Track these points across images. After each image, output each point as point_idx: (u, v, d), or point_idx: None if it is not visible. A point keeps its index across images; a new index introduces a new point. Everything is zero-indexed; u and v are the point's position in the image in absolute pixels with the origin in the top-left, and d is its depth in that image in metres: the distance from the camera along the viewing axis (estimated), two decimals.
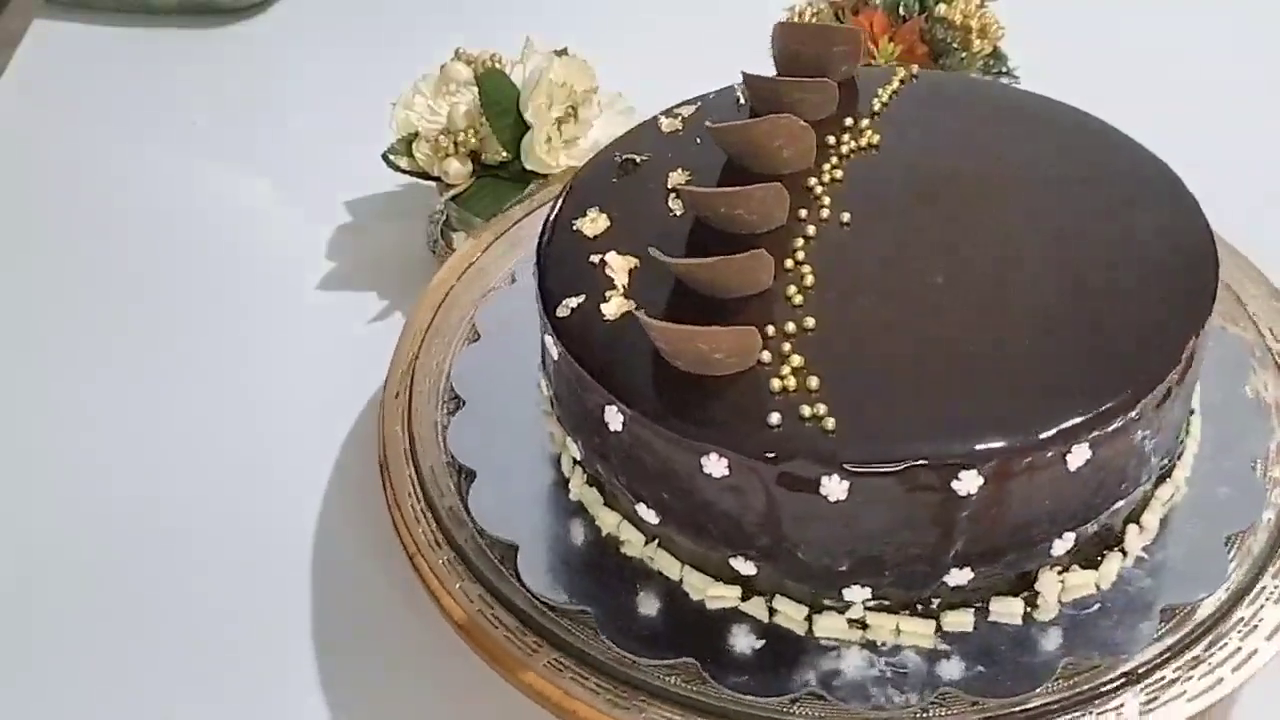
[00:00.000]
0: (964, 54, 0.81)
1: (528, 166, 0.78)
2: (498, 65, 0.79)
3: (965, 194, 0.62)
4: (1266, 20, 1.00)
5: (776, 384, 0.54)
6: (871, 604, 0.56)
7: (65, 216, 0.89)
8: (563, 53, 0.78)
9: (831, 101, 0.65)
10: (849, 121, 0.65)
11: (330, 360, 0.77)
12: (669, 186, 0.63)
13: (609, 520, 0.61)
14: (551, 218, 0.64)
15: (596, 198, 0.64)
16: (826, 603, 0.56)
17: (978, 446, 0.52)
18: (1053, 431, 0.52)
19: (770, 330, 0.56)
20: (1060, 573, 0.57)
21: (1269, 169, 0.85)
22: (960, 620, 0.56)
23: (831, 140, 0.64)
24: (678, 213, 0.62)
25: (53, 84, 1.00)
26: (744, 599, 0.58)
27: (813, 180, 0.62)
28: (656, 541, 0.59)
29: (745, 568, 0.56)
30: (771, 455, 0.52)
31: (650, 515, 0.58)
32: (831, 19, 0.83)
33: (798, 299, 0.57)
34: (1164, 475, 0.60)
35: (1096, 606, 0.57)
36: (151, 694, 0.62)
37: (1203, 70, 0.94)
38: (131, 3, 1.04)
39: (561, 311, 0.59)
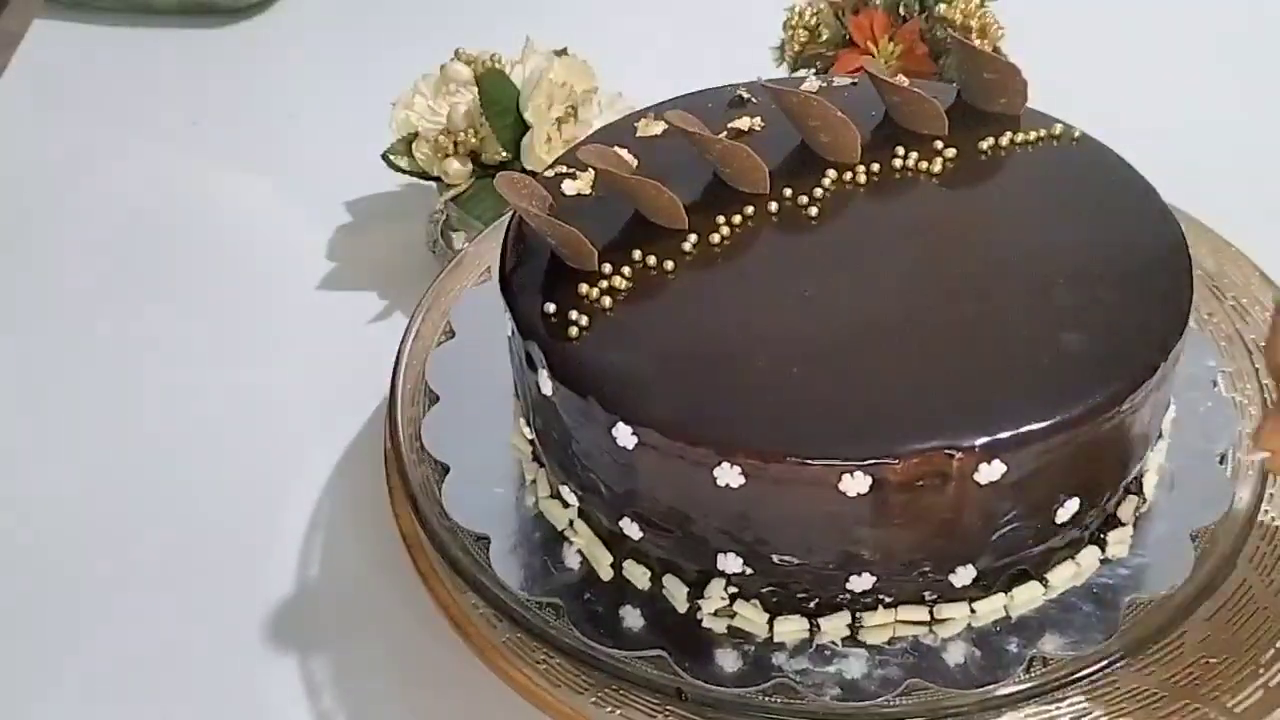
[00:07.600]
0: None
1: (528, 166, 0.78)
2: (498, 65, 0.79)
3: (956, 245, 0.59)
4: (1265, 19, 1.00)
5: (585, 288, 0.57)
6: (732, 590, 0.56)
7: (65, 216, 0.89)
8: (563, 53, 0.78)
9: (937, 122, 0.63)
10: (939, 144, 0.63)
11: (330, 360, 0.77)
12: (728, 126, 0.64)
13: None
14: (642, 108, 0.67)
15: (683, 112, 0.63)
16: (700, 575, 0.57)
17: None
18: (823, 458, 0.51)
19: (636, 255, 0.58)
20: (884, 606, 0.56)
21: (1269, 167, 0.85)
22: (790, 629, 0.56)
23: (900, 151, 0.62)
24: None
25: (53, 84, 1.01)
26: (578, 516, 0.60)
27: (832, 172, 0.62)
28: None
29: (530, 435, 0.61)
30: (519, 329, 0.57)
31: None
32: (831, 19, 0.83)
33: (689, 248, 0.59)
34: (1101, 527, 0.58)
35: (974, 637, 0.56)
36: (147, 688, 0.63)
37: (1204, 70, 0.95)
38: (131, 3, 1.04)
39: (548, 173, 0.63)
